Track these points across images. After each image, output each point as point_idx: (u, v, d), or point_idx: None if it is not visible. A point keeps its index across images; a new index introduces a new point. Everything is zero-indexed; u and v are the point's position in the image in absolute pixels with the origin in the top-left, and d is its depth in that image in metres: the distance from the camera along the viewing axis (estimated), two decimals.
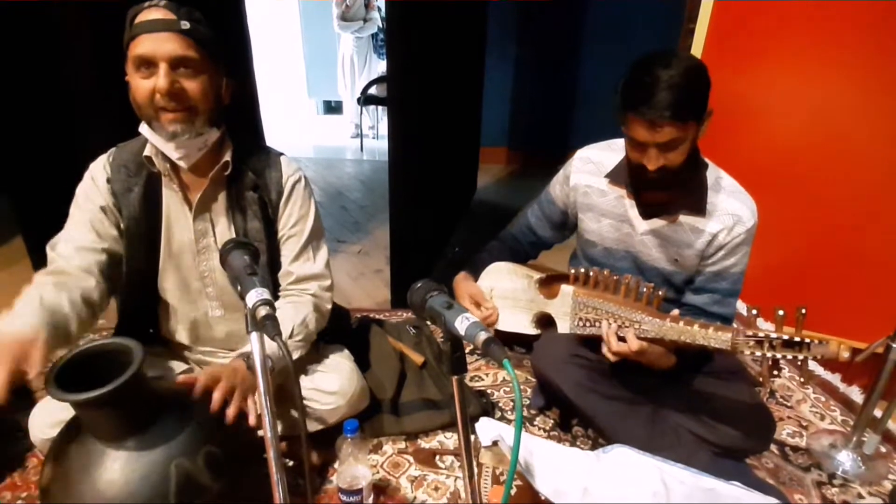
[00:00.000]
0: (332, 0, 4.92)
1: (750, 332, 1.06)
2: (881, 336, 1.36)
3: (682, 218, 1.29)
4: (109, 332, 1.28)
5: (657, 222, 1.32)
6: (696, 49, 1.87)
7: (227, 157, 1.15)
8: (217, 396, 0.94)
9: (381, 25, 5.04)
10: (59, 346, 0.98)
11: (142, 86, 1.03)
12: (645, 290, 1.21)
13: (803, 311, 1.01)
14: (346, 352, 1.39)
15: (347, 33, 4.99)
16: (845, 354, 0.98)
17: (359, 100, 4.79)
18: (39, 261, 1.07)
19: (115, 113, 1.24)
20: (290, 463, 1.31)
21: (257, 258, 0.87)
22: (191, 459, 0.87)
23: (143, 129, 1.09)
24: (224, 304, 1.25)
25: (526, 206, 1.62)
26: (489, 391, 1.67)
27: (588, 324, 1.31)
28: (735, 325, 1.20)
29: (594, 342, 1.28)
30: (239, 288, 0.79)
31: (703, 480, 1.04)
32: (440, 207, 2.64)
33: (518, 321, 1.52)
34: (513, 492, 1.12)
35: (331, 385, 1.26)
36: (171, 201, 1.17)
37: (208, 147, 1.12)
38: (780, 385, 1.73)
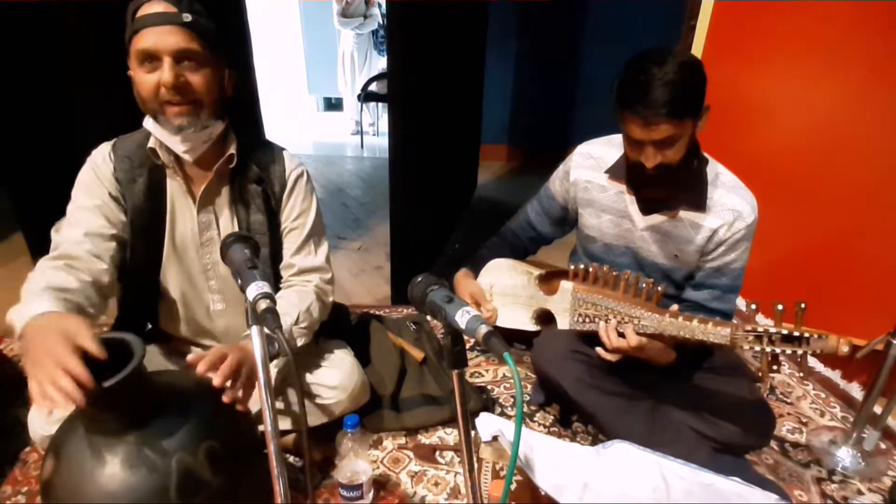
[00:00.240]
0: None
1: (749, 327, 1.06)
2: (881, 333, 1.36)
3: (683, 214, 1.28)
4: (108, 327, 1.27)
5: (657, 218, 1.31)
6: (697, 46, 1.87)
7: (233, 149, 1.15)
8: (222, 372, 0.92)
9: (381, 22, 5.03)
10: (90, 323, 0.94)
11: (146, 80, 1.02)
12: (644, 285, 1.21)
13: (802, 305, 1.01)
14: (347, 347, 1.39)
15: (348, 30, 4.99)
16: (845, 349, 0.98)
17: (359, 96, 4.78)
18: (39, 257, 1.06)
19: (115, 109, 1.23)
20: (292, 459, 1.31)
21: (258, 252, 0.87)
22: (192, 454, 0.86)
23: (148, 123, 1.09)
24: (226, 298, 1.25)
25: (526, 202, 1.62)
26: (489, 387, 1.67)
27: (588, 320, 1.31)
28: (735, 321, 1.20)
29: (594, 338, 1.28)
30: (239, 281, 0.79)
31: (703, 476, 1.04)
32: (440, 204, 2.63)
33: (518, 318, 1.52)
34: (513, 487, 1.12)
35: (332, 379, 1.26)
36: (175, 193, 1.17)
37: (213, 140, 1.12)
38: (780, 381, 1.74)
